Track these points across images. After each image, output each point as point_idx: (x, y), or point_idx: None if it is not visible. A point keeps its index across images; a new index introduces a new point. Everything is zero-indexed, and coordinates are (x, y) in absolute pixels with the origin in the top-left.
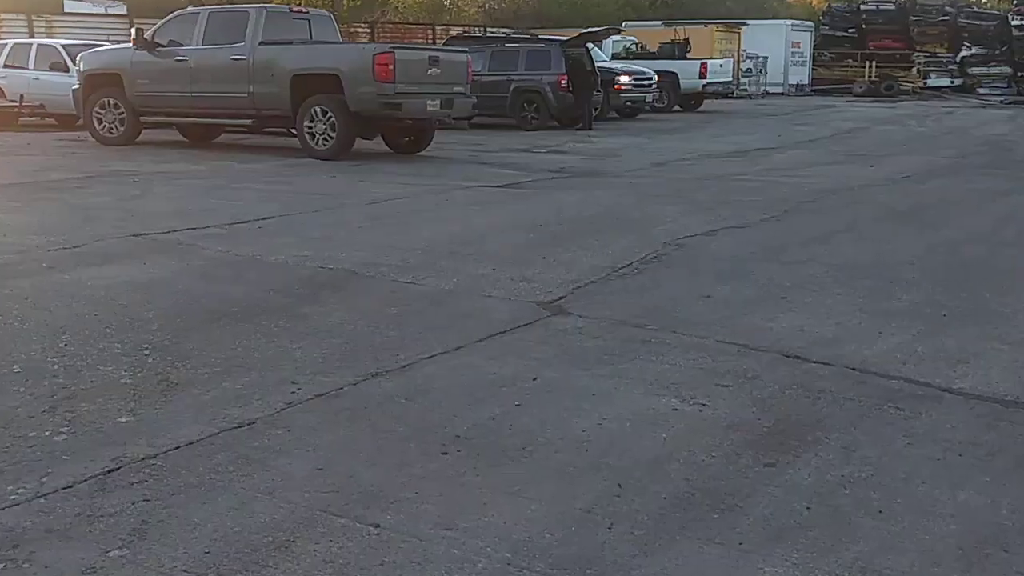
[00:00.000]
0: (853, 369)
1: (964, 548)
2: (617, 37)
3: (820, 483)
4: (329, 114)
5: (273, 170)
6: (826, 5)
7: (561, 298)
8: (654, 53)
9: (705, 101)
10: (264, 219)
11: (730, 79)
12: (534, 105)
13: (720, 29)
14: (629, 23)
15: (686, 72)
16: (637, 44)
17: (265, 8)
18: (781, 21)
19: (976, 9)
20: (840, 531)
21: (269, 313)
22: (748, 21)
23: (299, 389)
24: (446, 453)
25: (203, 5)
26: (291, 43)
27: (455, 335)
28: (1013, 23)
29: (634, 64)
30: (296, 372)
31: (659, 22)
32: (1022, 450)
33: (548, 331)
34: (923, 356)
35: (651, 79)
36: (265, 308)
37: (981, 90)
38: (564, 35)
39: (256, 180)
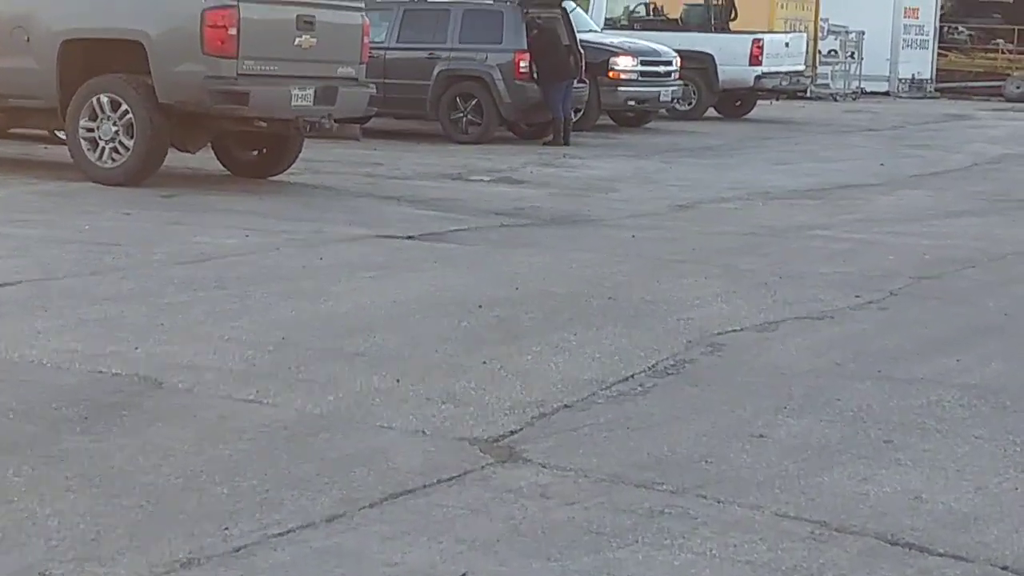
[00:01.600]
0: (1004, 568)
1: None
2: None
3: None
4: (124, 108)
5: (25, 201)
6: None
7: (513, 433)
8: (676, 21)
9: (759, 103)
10: (4, 286)
11: (801, 67)
12: (474, 101)
13: None
14: None
15: (728, 54)
16: (648, 5)
17: None
18: None
19: None
20: None
21: (5, 451)
22: None
23: None
24: None
25: None
26: None
27: (328, 496)
28: None
29: (642, 40)
30: (50, 556)
31: None
32: None
33: (489, 492)
34: None
35: (670, 64)
36: (0, 442)
37: None
38: None
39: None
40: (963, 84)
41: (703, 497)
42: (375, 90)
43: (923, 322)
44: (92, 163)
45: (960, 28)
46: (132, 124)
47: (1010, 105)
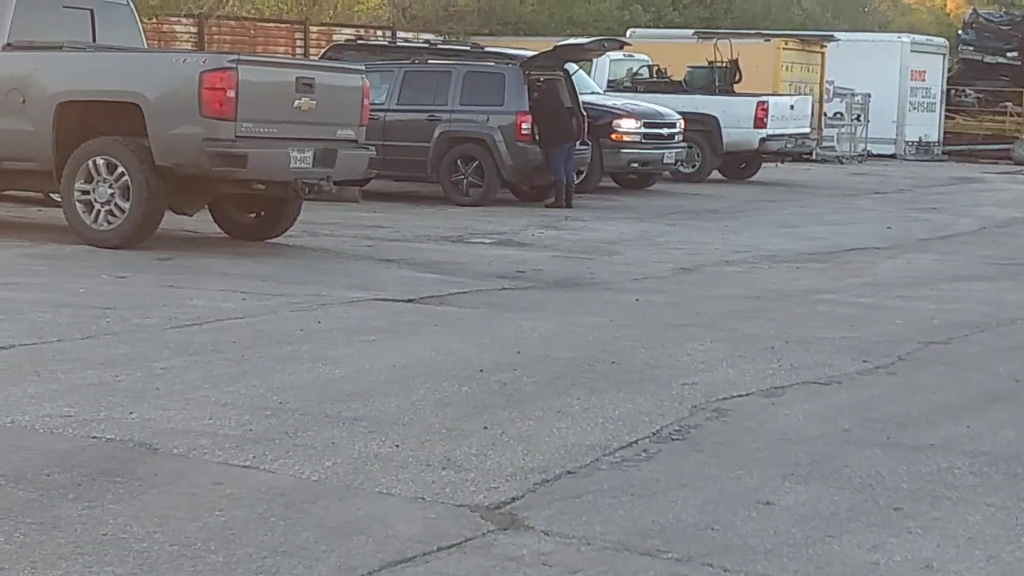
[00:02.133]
0: None
1: None
2: (618, 54)
3: None
4: (120, 171)
5: (18, 264)
6: (969, 11)
7: (514, 500)
8: (680, 83)
9: (764, 166)
10: None
11: (807, 130)
12: (475, 163)
13: (791, 46)
14: (637, 32)
15: (733, 116)
16: (651, 67)
17: None
18: (894, 36)
19: None
20: None
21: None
22: (838, 34)
23: None
24: None
25: None
26: (60, 48)
27: (326, 564)
28: None
29: (645, 102)
30: None
31: (689, 32)
32: None
33: (490, 560)
34: None
35: (673, 126)
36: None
37: None
38: (529, 48)
39: None
40: (971, 147)
41: (709, 566)
42: (375, 152)
43: (932, 388)
44: (87, 226)
45: (967, 91)
46: (128, 186)
47: (1018, 168)
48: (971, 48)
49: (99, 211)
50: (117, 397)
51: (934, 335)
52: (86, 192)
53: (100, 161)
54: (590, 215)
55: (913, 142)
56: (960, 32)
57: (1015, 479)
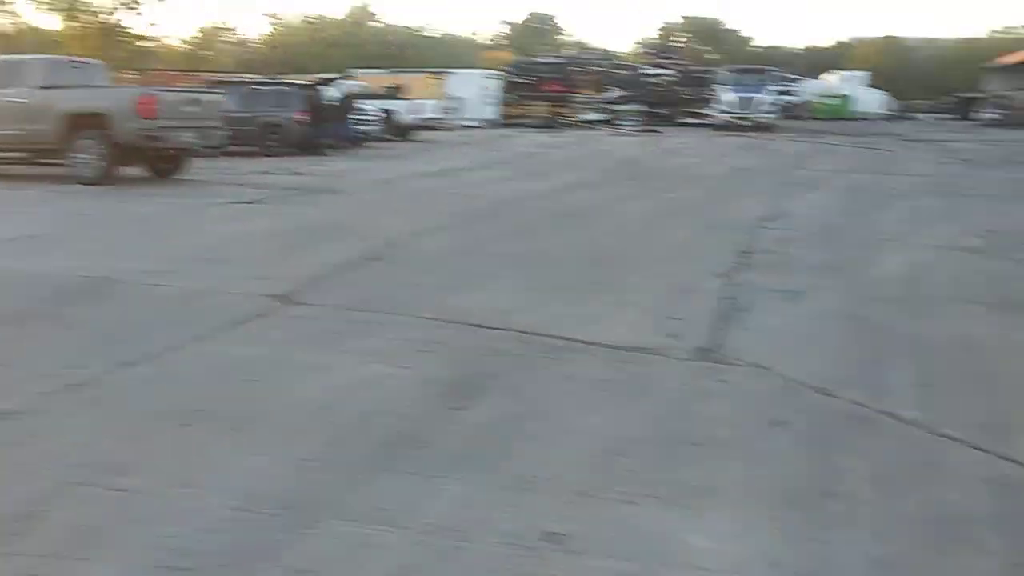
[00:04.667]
0: (523, 332)
1: (593, 457)
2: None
3: (492, 419)
4: (100, 145)
5: (41, 195)
6: (513, 59)
7: (294, 291)
8: (379, 94)
9: (415, 131)
10: (31, 237)
11: (438, 115)
12: (274, 132)
13: (430, 77)
14: (360, 71)
15: (401, 109)
16: (384, 87)
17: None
18: (477, 71)
19: (618, 62)
20: (504, 454)
21: (34, 318)
22: (451, 70)
23: (57, 380)
24: (188, 425)
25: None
26: (68, 87)
27: (202, 327)
28: (643, 72)
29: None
30: (54, 366)
31: (383, 70)
32: (636, 384)
33: (283, 319)
34: (568, 319)
35: (376, 114)
36: (30, 313)
37: (621, 123)
38: (303, 80)
39: (26, 204)
40: (514, 120)
41: (388, 312)
42: (228, 131)
43: (487, 228)
44: (79, 173)
45: (512, 95)
46: (103, 152)
47: (534, 130)
48: (514, 75)
49: (88, 164)
50: (96, 256)
51: (488, 207)
52: (80, 155)
53: (87, 141)
54: (333, 160)
55: (487, 120)
56: (508, 68)
57: (518, 264)
